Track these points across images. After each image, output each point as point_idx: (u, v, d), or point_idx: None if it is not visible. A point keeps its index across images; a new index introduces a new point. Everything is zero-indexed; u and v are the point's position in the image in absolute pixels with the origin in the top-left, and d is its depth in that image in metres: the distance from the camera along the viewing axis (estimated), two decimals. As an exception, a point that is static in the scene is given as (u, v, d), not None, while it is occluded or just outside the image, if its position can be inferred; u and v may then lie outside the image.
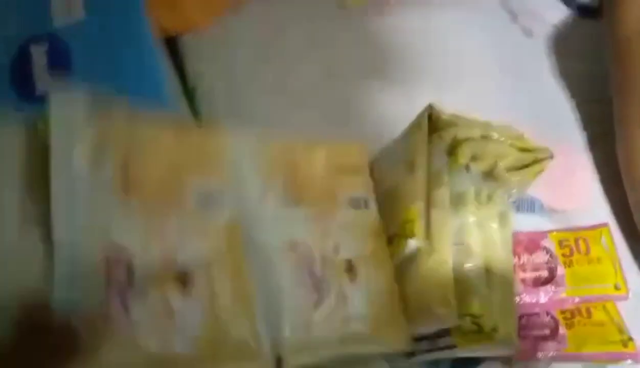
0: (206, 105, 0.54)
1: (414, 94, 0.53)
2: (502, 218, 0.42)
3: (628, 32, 0.49)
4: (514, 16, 0.64)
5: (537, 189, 0.51)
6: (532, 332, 0.45)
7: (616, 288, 0.47)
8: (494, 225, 0.41)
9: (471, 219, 0.40)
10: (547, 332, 0.45)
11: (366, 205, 0.42)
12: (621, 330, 0.46)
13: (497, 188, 0.41)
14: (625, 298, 0.47)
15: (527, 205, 0.52)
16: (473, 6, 0.63)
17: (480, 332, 0.38)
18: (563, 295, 0.46)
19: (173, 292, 0.32)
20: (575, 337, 0.45)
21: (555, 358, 0.44)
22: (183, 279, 0.33)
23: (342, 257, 0.39)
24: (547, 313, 0.46)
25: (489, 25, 0.62)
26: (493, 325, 0.38)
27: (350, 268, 0.39)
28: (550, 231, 0.49)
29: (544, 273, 0.46)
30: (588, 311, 0.46)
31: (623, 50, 0.50)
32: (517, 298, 0.45)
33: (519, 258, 0.47)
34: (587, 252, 0.48)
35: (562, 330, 0.45)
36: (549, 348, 0.44)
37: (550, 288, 0.46)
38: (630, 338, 0.45)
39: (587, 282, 0.47)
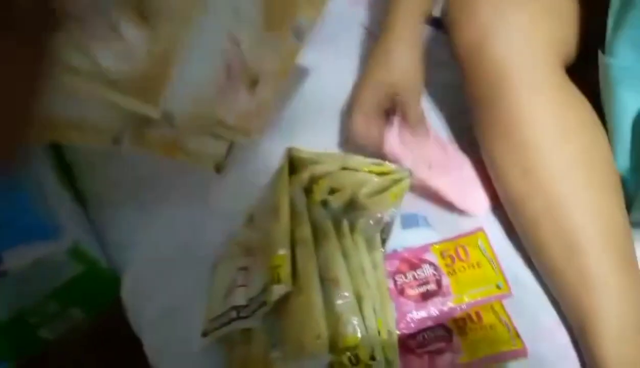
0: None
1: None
2: (370, 243, 0.43)
3: (463, 52, 0.51)
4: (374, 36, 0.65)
5: (419, 204, 0.54)
6: (428, 347, 0.46)
7: (498, 287, 0.49)
8: (362, 253, 0.42)
9: (336, 252, 0.41)
10: (442, 344, 0.47)
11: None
12: (509, 329, 0.48)
13: (359, 217, 0.42)
14: (509, 295, 0.49)
15: (410, 222, 0.54)
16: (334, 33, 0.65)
17: (357, 364, 0.39)
18: (451, 304, 0.48)
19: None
20: (469, 344, 0.47)
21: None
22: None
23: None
24: (441, 326, 0.48)
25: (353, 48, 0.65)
26: (370, 353, 0.39)
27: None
28: (432, 244, 0.51)
29: (431, 287, 0.48)
30: (478, 315, 0.48)
31: (464, 68, 0.52)
32: (409, 317, 0.47)
33: (405, 276, 0.49)
34: (467, 258, 0.50)
35: (456, 339, 0.47)
36: (445, 361, 0.46)
37: (438, 300, 0.48)
38: (517, 335, 0.47)
39: (471, 286, 0.49)
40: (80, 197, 0.61)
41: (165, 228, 0.56)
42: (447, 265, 0.49)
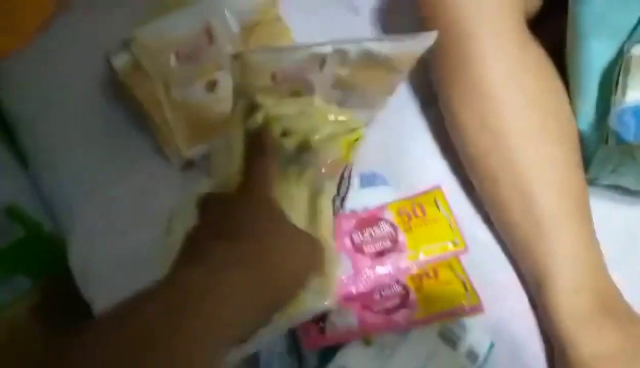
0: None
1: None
2: (316, 190, 0.43)
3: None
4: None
5: (377, 163, 0.52)
6: (385, 305, 0.46)
7: (455, 244, 0.48)
8: (303, 199, 0.42)
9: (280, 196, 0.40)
10: (397, 301, 0.46)
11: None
12: (465, 284, 0.47)
13: (310, 163, 0.41)
14: (465, 251, 0.49)
15: (368, 180, 0.53)
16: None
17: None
18: (407, 260, 0.47)
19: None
20: (425, 300, 0.46)
21: (407, 327, 0.45)
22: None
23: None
24: (398, 282, 0.47)
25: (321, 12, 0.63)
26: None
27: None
28: (389, 203, 0.50)
29: (387, 244, 0.48)
30: (435, 271, 0.48)
31: (424, 16, 0.51)
32: (365, 274, 0.46)
33: (362, 234, 0.48)
34: (424, 215, 0.49)
35: (412, 295, 0.46)
36: (401, 317, 0.45)
37: (394, 255, 0.47)
38: (474, 291, 0.47)
39: (427, 242, 0.48)
40: (23, 160, 0.58)
41: (115, 187, 0.54)
42: (403, 223, 0.48)
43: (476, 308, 0.46)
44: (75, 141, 0.57)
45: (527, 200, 0.46)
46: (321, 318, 0.44)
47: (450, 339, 0.46)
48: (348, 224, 0.48)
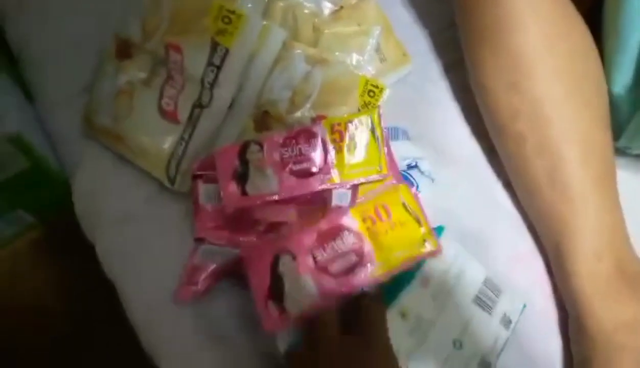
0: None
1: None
2: None
3: None
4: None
5: (401, 120, 0.51)
6: (342, 264, 0.44)
7: (425, 246, 0.45)
8: None
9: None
10: (354, 257, 0.44)
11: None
12: (420, 222, 0.45)
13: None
14: (438, 252, 0.45)
15: (390, 133, 0.51)
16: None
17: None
18: (375, 274, 0.44)
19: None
20: (382, 251, 0.44)
21: (369, 285, 0.44)
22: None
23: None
24: (349, 231, 0.45)
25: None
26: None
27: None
28: (353, 206, 0.46)
29: (353, 258, 0.44)
30: (387, 211, 0.45)
31: None
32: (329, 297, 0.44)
33: (324, 250, 0.44)
34: (389, 218, 0.45)
35: (368, 247, 0.44)
36: (360, 278, 0.43)
37: (361, 271, 0.43)
38: (430, 230, 0.45)
39: (396, 250, 0.44)
40: (31, 98, 0.57)
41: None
42: (368, 229, 0.44)
43: (435, 252, 0.45)
44: (78, 85, 0.56)
45: (553, 164, 0.45)
46: (278, 295, 0.43)
47: (486, 304, 0.45)
48: (309, 239, 0.44)
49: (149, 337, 0.48)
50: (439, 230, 0.46)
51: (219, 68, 0.49)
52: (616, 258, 0.44)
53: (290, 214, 0.47)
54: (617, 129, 0.48)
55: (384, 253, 0.44)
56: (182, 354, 0.47)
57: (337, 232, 0.45)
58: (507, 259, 0.48)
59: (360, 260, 0.44)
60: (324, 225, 0.45)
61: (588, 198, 0.44)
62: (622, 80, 0.48)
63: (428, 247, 0.45)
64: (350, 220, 0.45)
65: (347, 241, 0.44)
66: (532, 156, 0.46)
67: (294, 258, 0.44)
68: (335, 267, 0.44)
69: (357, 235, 0.45)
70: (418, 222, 0.45)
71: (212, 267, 0.46)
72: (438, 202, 0.49)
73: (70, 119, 0.55)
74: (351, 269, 0.44)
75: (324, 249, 0.44)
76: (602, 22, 0.50)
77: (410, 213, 0.46)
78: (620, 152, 0.49)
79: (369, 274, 0.44)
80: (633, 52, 0.47)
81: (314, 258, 0.44)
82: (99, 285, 0.51)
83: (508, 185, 0.51)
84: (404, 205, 0.46)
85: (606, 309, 0.42)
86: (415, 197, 0.47)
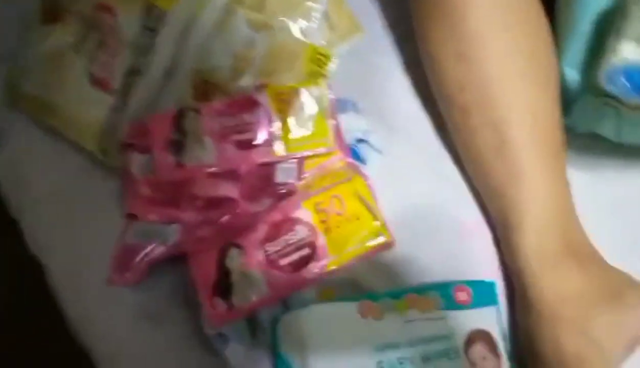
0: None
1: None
2: None
3: None
4: None
5: (349, 92, 0.49)
6: (293, 257, 0.42)
7: (379, 238, 0.44)
8: None
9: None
10: (306, 251, 0.42)
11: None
12: (375, 215, 0.44)
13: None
14: (392, 244, 0.44)
15: (338, 106, 0.48)
16: None
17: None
18: (328, 268, 0.42)
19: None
20: (335, 244, 0.42)
21: (320, 280, 0.42)
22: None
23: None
24: (303, 223, 0.43)
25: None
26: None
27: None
28: (306, 199, 0.44)
29: (305, 252, 0.42)
30: (342, 204, 0.44)
31: None
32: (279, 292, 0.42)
33: (275, 244, 0.42)
34: (344, 210, 0.44)
35: (321, 240, 0.42)
36: (312, 272, 0.42)
37: (313, 265, 0.42)
38: (384, 224, 0.44)
39: (350, 244, 0.43)
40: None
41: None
42: (322, 222, 0.43)
43: (389, 244, 0.44)
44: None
45: (500, 137, 0.44)
46: (225, 290, 0.41)
47: None
48: (259, 232, 0.42)
49: (80, 321, 0.45)
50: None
51: (154, 31, 0.46)
52: (562, 232, 0.44)
53: (230, 189, 0.45)
54: (566, 105, 0.48)
55: (337, 247, 0.43)
56: (116, 337, 0.44)
57: (289, 224, 0.43)
58: (455, 233, 0.47)
59: (312, 253, 0.42)
60: (275, 216, 0.43)
61: (535, 175, 0.44)
62: (573, 59, 0.47)
63: (381, 239, 0.44)
64: (303, 213, 0.43)
65: (300, 234, 0.43)
66: (479, 129, 0.45)
67: (243, 251, 0.42)
68: (287, 261, 0.42)
69: (310, 228, 0.43)
70: (373, 214, 0.44)
71: (147, 249, 0.43)
72: (386, 175, 0.48)
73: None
74: (303, 263, 0.42)
75: (276, 242, 0.42)
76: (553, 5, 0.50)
77: (365, 206, 0.44)
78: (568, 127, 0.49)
79: (322, 268, 0.42)
80: (584, 32, 0.46)
81: (265, 251, 0.42)
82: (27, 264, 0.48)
83: (457, 160, 0.50)
84: (358, 197, 0.44)
85: (552, 283, 0.42)
86: (370, 188, 0.45)
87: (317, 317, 0.40)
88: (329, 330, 0.40)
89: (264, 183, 0.45)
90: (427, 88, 0.51)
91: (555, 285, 0.42)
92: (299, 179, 0.45)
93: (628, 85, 0.42)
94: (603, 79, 0.43)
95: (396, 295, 0.42)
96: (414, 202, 0.48)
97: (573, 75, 0.48)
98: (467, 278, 0.44)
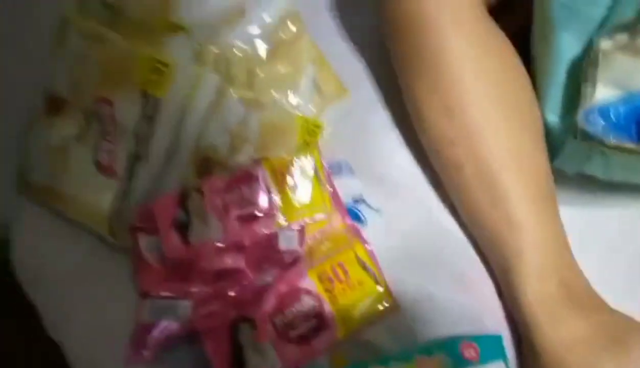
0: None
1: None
2: None
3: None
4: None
5: (343, 155, 0.51)
6: (301, 329, 0.43)
7: (384, 305, 0.45)
8: None
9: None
10: (314, 322, 0.43)
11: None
12: (377, 279, 0.45)
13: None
14: (396, 309, 0.45)
15: (333, 170, 0.50)
16: None
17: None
18: (337, 337, 0.44)
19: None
20: (342, 312, 0.43)
21: (330, 350, 0.43)
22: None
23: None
24: (309, 294, 0.44)
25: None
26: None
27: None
28: (308, 269, 0.45)
29: (314, 322, 0.44)
30: (344, 270, 0.45)
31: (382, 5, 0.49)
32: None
33: (283, 316, 0.43)
34: (347, 277, 0.45)
35: (327, 309, 0.43)
36: (322, 342, 0.43)
37: (322, 336, 0.43)
38: (387, 288, 0.45)
39: (356, 311, 0.44)
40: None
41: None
42: (327, 291, 0.44)
43: (394, 308, 0.45)
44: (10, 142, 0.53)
45: (493, 189, 0.46)
46: (238, 363, 0.42)
47: None
48: (268, 304, 0.44)
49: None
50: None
51: (152, 119, 0.48)
52: (562, 275, 0.45)
53: (237, 260, 0.46)
54: (552, 150, 0.49)
55: (343, 314, 0.44)
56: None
57: (295, 295, 0.44)
58: (457, 285, 0.47)
59: (320, 323, 0.43)
60: (282, 288, 0.45)
61: (530, 221, 0.45)
62: (553, 108, 0.49)
63: (386, 304, 0.45)
64: (309, 282, 0.45)
65: (307, 304, 0.44)
66: (471, 182, 0.46)
67: (253, 325, 0.43)
68: (296, 333, 0.43)
69: (316, 297, 0.44)
70: (375, 280, 0.45)
71: (161, 326, 0.44)
72: (386, 233, 0.49)
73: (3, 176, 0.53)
74: (312, 334, 0.43)
75: (284, 314, 0.44)
76: (530, 47, 0.51)
77: (367, 272, 0.46)
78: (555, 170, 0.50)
79: (331, 338, 0.43)
80: (561, 80, 0.48)
81: (274, 324, 0.43)
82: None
83: (455, 212, 0.50)
84: (360, 262, 0.46)
85: (556, 330, 0.43)
86: (371, 253, 0.47)
87: None
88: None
89: (269, 252, 0.47)
90: (418, 143, 0.52)
91: (559, 332, 0.43)
92: (302, 245, 0.47)
93: (603, 123, 0.45)
94: (581, 120, 0.45)
95: (406, 357, 0.42)
96: (415, 255, 0.49)
97: (555, 121, 0.49)
98: (474, 330, 0.45)
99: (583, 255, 0.47)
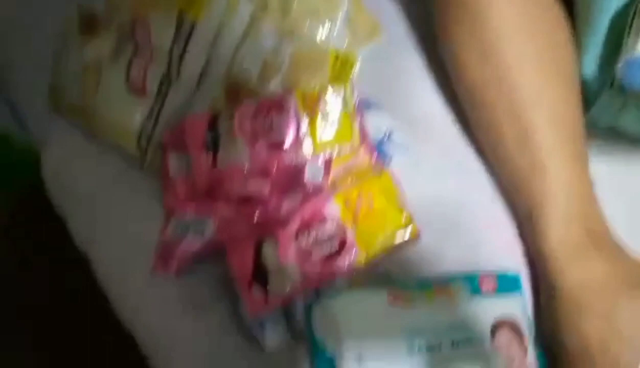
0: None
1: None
2: None
3: None
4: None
5: (373, 93, 0.51)
6: (323, 250, 0.44)
7: (406, 233, 0.45)
8: None
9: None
10: (336, 244, 0.44)
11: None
12: (402, 210, 0.45)
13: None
14: (417, 238, 0.46)
15: (362, 106, 0.50)
16: None
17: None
18: (356, 261, 0.44)
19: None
20: (364, 239, 0.44)
21: (350, 272, 0.44)
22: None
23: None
24: (333, 220, 0.44)
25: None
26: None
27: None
28: (334, 193, 0.46)
29: (335, 245, 0.44)
30: (370, 200, 0.45)
31: None
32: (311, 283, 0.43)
33: (307, 237, 0.44)
34: (371, 205, 0.46)
35: (350, 235, 0.44)
36: (342, 263, 0.43)
37: (343, 259, 0.44)
38: (410, 217, 0.45)
39: (378, 238, 0.45)
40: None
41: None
42: (351, 217, 0.44)
43: (416, 238, 0.45)
44: (44, 48, 0.54)
45: (523, 130, 0.46)
46: (262, 281, 0.43)
47: None
48: (292, 225, 0.44)
49: (124, 308, 0.48)
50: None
51: (186, 41, 0.48)
52: (585, 222, 0.45)
53: (262, 186, 0.47)
54: (587, 102, 0.49)
55: (366, 241, 0.44)
56: (158, 324, 0.46)
57: (319, 219, 0.45)
58: (479, 227, 0.48)
59: (342, 247, 0.44)
60: (306, 212, 0.45)
61: (557, 167, 0.45)
62: (592, 58, 0.48)
63: (409, 233, 0.45)
64: (333, 207, 0.45)
65: (330, 228, 0.44)
66: (503, 125, 0.46)
67: (277, 245, 0.44)
68: (318, 254, 0.44)
69: (339, 222, 0.45)
70: (399, 209, 0.46)
71: (186, 242, 0.45)
72: (411, 172, 0.49)
73: (37, 94, 0.54)
74: (334, 256, 0.44)
75: (307, 237, 0.44)
76: (572, 4, 0.51)
77: (392, 201, 0.46)
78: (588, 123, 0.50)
79: (351, 261, 0.44)
80: (603, 29, 0.47)
81: (297, 245, 0.44)
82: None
83: (480, 156, 0.50)
84: (386, 192, 0.46)
85: (576, 271, 0.43)
86: (397, 184, 0.47)
87: (349, 303, 0.42)
88: (361, 315, 0.42)
89: (293, 181, 0.47)
90: (449, 87, 0.52)
91: (579, 273, 0.43)
92: (327, 177, 0.47)
93: None
94: (620, 71, 0.45)
95: (424, 285, 0.43)
96: (439, 197, 0.49)
97: (593, 71, 0.49)
98: (493, 269, 0.46)
99: (609, 208, 0.47)
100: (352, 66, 0.50)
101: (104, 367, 0.72)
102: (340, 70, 0.50)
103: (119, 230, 0.49)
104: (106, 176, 0.51)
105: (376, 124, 0.51)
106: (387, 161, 0.50)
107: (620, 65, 0.45)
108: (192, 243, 0.45)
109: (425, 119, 0.53)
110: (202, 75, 0.50)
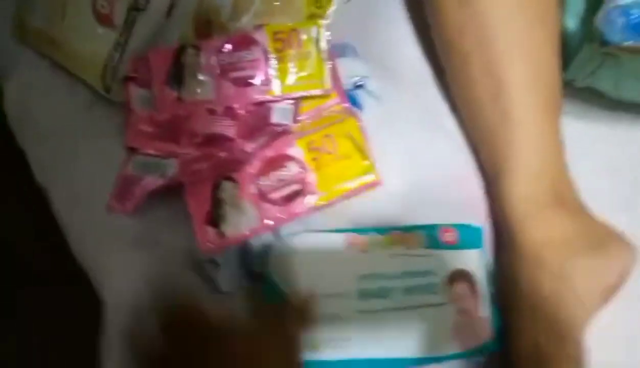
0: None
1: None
2: None
3: None
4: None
5: (350, 36, 0.49)
6: (283, 192, 0.43)
7: (367, 178, 0.45)
8: None
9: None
10: (296, 187, 0.44)
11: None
12: (365, 154, 0.45)
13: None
14: (379, 184, 0.45)
15: (337, 50, 0.49)
16: None
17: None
18: (316, 203, 0.44)
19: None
20: (325, 181, 0.44)
21: (309, 214, 0.43)
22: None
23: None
24: (295, 160, 0.44)
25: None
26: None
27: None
28: (297, 137, 0.45)
29: (295, 187, 0.44)
30: (334, 144, 0.45)
31: None
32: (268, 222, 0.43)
33: (267, 179, 0.44)
34: (335, 149, 0.45)
35: (311, 177, 0.44)
36: (302, 206, 0.43)
37: (302, 200, 0.43)
38: (372, 163, 0.45)
39: (338, 181, 0.44)
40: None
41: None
42: (313, 160, 0.44)
43: (376, 183, 0.45)
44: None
45: (497, 84, 0.45)
46: (217, 220, 0.42)
47: None
48: (253, 168, 0.44)
49: (80, 239, 0.47)
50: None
51: (155, -29, 0.47)
52: (553, 180, 0.44)
53: (228, 127, 0.46)
54: (566, 59, 0.47)
55: (326, 184, 0.44)
56: (113, 260, 0.46)
57: (281, 160, 0.44)
58: (444, 179, 0.47)
59: (303, 189, 0.44)
60: (269, 153, 0.44)
61: (529, 123, 0.44)
62: (574, 11, 0.47)
63: (369, 177, 0.45)
64: (296, 150, 0.45)
65: (291, 170, 0.44)
66: (477, 75, 0.45)
67: (237, 184, 0.43)
68: (278, 195, 0.43)
69: (302, 165, 0.44)
70: (363, 154, 0.45)
71: (145, 181, 0.45)
72: (382, 122, 0.48)
73: (1, 24, 0.52)
74: (293, 197, 0.44)
75: (268, 177, 0.44)
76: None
77: (356, 146, 0.45)
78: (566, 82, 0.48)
79: (311, 203, 0.43)
80: None
81: (257, 185, 0.43)
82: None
83: (453, 110, 0.50)
84: (350, 137, 0.45)
85: (537, 227, 0.43)
86: (362, 130, 0.46)
87: (305, 244, 0.42)
88: (316, 257, 0.42)
89: (260, 122, 0.46)
90: (427, 36, 0.51)
91: (540, 229, 0.43)
92: (295, 120, 0.46)
93: (623, 20, 0.43)
94: (601, 20, 0.43)
95: (382, 231, 0.43)
96: (407, 148, 0.48)
97: (575, 25, 0.47)
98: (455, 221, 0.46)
99: (577, 166, 0.47)
100: (328, 4, 0.49)
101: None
102: (316, 8, 0.49)
103: (78, 164, 0.48)
104: (69, 110, 0.50)
105: (350, 70, 0.50)
106: (357, 108, 0.49)
107: (600, 15, 0.43)
108: (151, 183, 0.45)
109: (402, 70, 0.52)
110: (172, 6, 0.48)
